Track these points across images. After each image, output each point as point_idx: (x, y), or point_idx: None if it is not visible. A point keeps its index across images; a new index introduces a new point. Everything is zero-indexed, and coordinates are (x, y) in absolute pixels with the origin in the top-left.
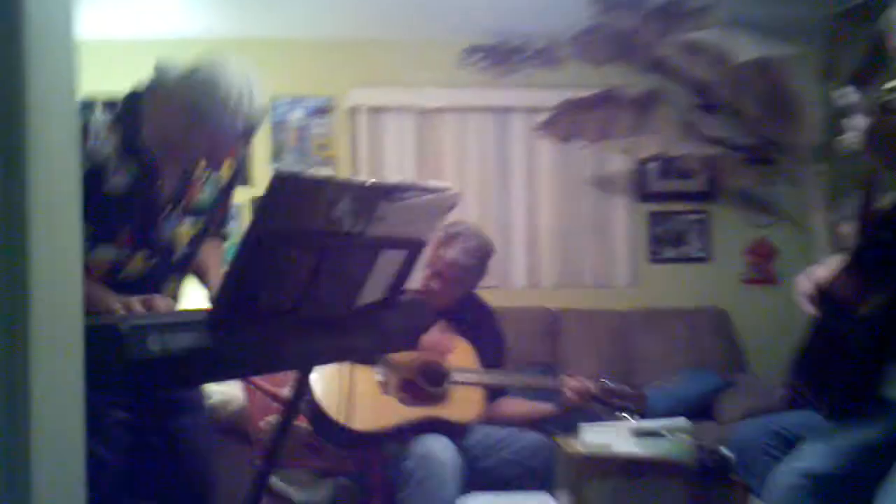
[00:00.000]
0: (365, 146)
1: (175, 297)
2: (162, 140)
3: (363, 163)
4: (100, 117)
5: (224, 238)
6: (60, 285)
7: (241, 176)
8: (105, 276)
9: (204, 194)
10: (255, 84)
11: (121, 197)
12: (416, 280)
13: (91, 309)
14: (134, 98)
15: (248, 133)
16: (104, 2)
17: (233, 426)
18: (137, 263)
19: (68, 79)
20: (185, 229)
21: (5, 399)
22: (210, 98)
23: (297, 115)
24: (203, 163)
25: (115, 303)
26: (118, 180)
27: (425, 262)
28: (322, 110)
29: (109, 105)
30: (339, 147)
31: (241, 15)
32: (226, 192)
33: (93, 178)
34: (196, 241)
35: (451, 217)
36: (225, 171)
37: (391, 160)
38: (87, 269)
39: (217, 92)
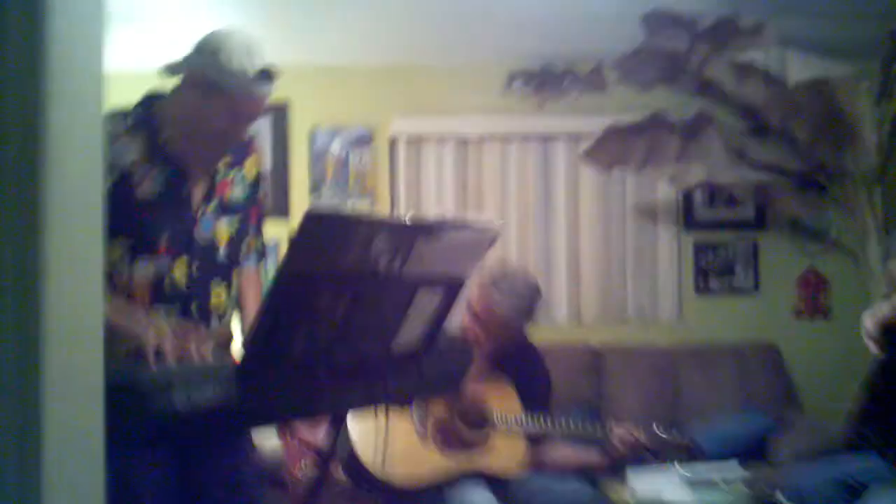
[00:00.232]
0: (404, 177)
1: (223, 310)
2: (183, 130)
3: (402, 194)
4: (119, 125)
5: (260, 253)
6: (78, 337)
7: (265, 180)
8: (150, 290)
9: (235, 192)
10: (254, 42)
11: (153, 203)
12: (457, 321)
13: (123, 337)
14: (149, 101)
15: (260, 95)
16: (138, 32)
17: (269, 474)
18: (180, 271)
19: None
20: (222, 229)
21: (18, 456)
22: (214, 65)
23: (336, 145)
24: (228, 159)
25: (150, 337)
26: (147, 187)
27: (468, 308)
28: (362, 140)
29: (123, 114)
30: (378, 178)
31: (279, 43)
32: (254, 191)
33: (121, 189)
34: (235, 242)
35: (492, 251)
36: (250, 169)
37: (430, 191)
38: (131, 285)
39: (219, 57)
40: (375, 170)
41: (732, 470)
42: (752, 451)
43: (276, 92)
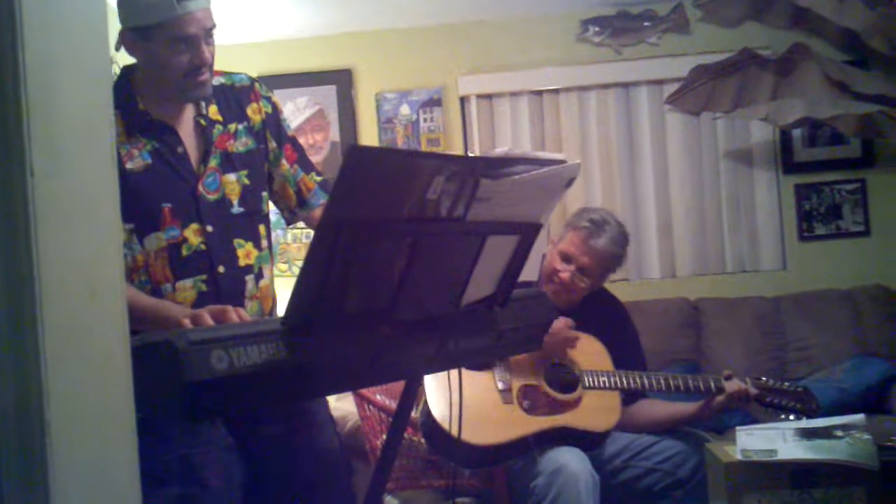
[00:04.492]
0: (477, 135)
1: (257, 269)
2: (154, 81)
3: (477, 153)
4: None
5: (324, 186)
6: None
7: (281, 119)
8: (168, 263)
9: (239, 145)
10: None
11: (147, 174)
12: (534, 270)
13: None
14: (125, 74)
15: (192, 9)
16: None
17: (352, 445)
18: (193, 237)
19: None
20: (231, 184)
21: (18, 435)
22: (136, 6)
23: (405, 108)
24: (221, 117)
25: (183, 317)
26: (138, 160)
27: (568, 256)
28: (431, 102)
29: None
30: (451, 138)
31: (340, 11)
32: (262, 139)
33: None
34: (250, 195)
35: (577, 202)
36: (254, 116)
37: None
38: (146, 265)
39: None
40: (448, 130)
41: (856, 421)
42: (870, 403)
43: (339, 60)
